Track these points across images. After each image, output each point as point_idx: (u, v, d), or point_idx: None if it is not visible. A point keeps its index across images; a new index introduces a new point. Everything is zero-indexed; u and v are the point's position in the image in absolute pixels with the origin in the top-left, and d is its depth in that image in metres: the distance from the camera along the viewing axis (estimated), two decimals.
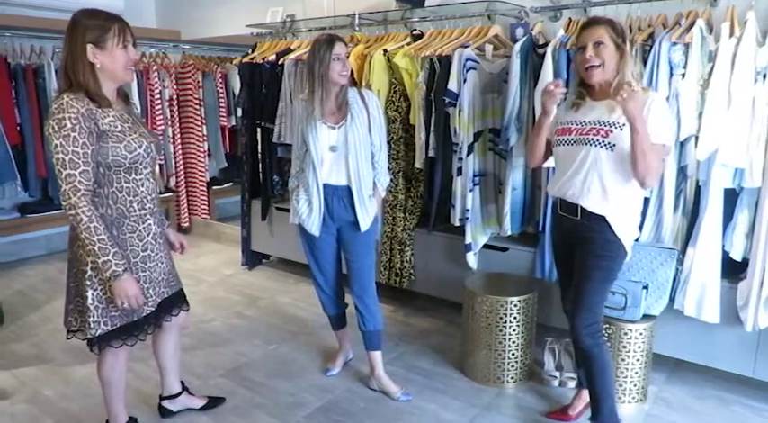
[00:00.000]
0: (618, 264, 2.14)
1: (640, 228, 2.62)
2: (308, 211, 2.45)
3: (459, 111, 2.95)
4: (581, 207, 2.10)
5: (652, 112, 1.97)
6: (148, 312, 2.01)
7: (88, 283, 1.85)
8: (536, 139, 2.27)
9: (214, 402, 2.52)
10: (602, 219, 2.08)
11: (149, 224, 1.97)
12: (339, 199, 2.44)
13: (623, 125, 1.99)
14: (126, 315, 1.93)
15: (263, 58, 3.98)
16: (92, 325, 1.86)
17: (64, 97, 1.75)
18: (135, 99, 4.85)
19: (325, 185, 2.41)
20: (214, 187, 5.72)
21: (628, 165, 2.01)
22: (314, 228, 2.46)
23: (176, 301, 2.21)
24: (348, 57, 2.32)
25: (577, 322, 2.12)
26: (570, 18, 2.93)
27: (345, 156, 2.38)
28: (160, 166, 5.13)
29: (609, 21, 2.06)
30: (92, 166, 1.79)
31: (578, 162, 2.09)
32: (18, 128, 4.34)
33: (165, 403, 2.43)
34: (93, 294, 1.85)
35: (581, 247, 2.14)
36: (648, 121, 1.94)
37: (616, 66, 2.05)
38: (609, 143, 2.03)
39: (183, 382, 2.47)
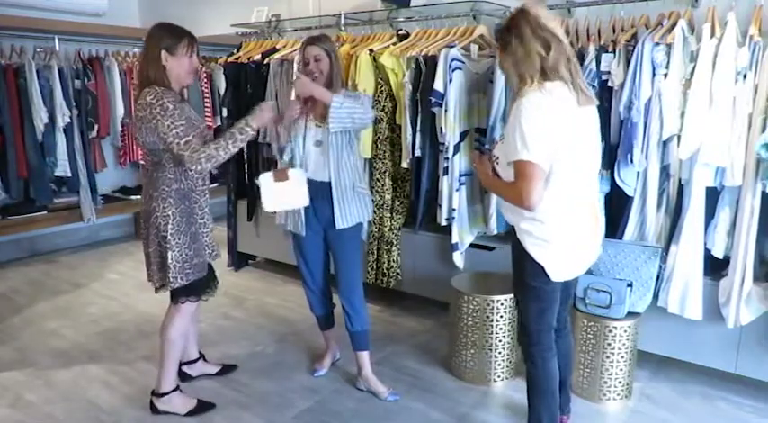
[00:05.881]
0: (536, 282, 1.91)
1: (624, 226, 2.65)
2: (292, 212, 2.51)
3: (446, 110, 2.95)
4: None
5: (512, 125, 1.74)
6: (211, 261, 2.45)
7: (168, 246, 2.23)
8: None
9: (228, 369, 2.82)
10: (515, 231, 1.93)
11: (207, 198, 2.38)
12: (322, 196, 2.44)
13: (502, 137, 1.89)
14: (196, 272, 2.32)
15: (249, 58, 3.96)
16: (171, 279, 2.27)
17: (155, 88, 2.14)
18: (119, 99, 4.84)
19: (310, 181, 2.42)
20: None
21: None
22: (300, 226, 2.50)
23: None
24: (319, 59, 2.39)
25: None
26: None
27: (327, 149, 2.41)
28: None
29: (514, 17, 1.77)
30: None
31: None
32: None
33: (185, 368, 2.70)
34: (172, 255, 2.24)
35: None
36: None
37: (514, 67, 1.80)
38: (494, 155, 1.92)
39: (200, 351, 2.77)
